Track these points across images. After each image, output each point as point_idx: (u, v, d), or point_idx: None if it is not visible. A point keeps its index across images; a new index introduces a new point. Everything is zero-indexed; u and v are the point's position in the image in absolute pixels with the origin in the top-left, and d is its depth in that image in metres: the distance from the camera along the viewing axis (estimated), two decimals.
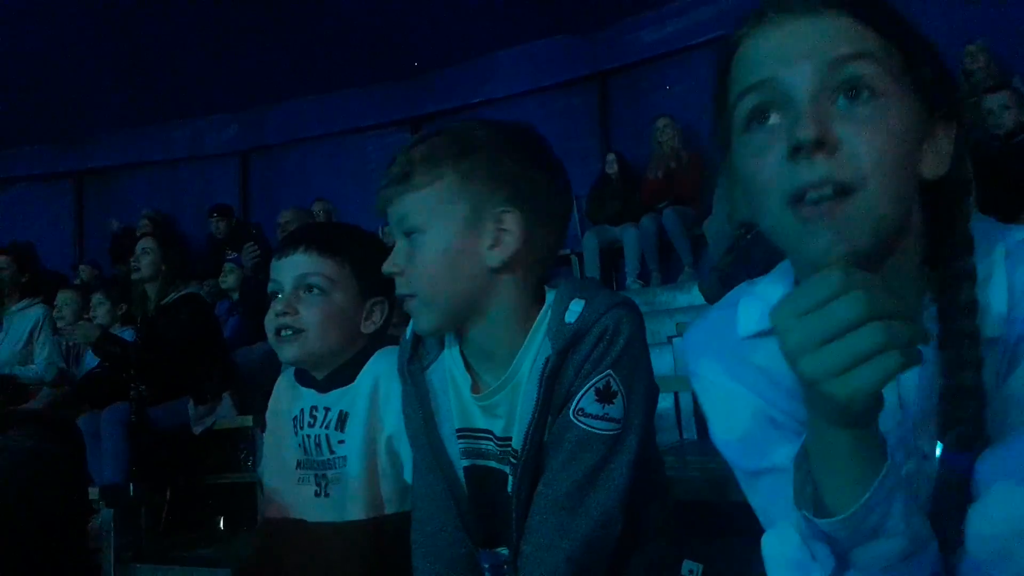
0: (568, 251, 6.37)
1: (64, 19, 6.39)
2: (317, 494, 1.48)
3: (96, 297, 4.40)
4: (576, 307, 1.09)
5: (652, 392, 1.14)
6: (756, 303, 0.87)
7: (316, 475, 1.48)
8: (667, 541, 1.21)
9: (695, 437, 3.67)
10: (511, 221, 1.09)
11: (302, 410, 1.53)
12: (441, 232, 1.09)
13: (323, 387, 1.51)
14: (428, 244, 1.09)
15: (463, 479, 1.18)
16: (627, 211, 5.96)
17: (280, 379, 1.63)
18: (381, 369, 1.45)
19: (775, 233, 0.75)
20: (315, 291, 1.44)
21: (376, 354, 1.48)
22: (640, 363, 1.10)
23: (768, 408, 0.85)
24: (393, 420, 1.40)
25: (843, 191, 0.69)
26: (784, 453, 0.82)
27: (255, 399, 3.65)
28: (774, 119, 0.74)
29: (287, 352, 1.47)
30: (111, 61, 6.86)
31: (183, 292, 3.78)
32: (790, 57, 0.73)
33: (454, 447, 1.19)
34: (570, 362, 1.08)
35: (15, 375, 4.38)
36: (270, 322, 1.46)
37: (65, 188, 8.49)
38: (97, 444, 3.49)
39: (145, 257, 3.79)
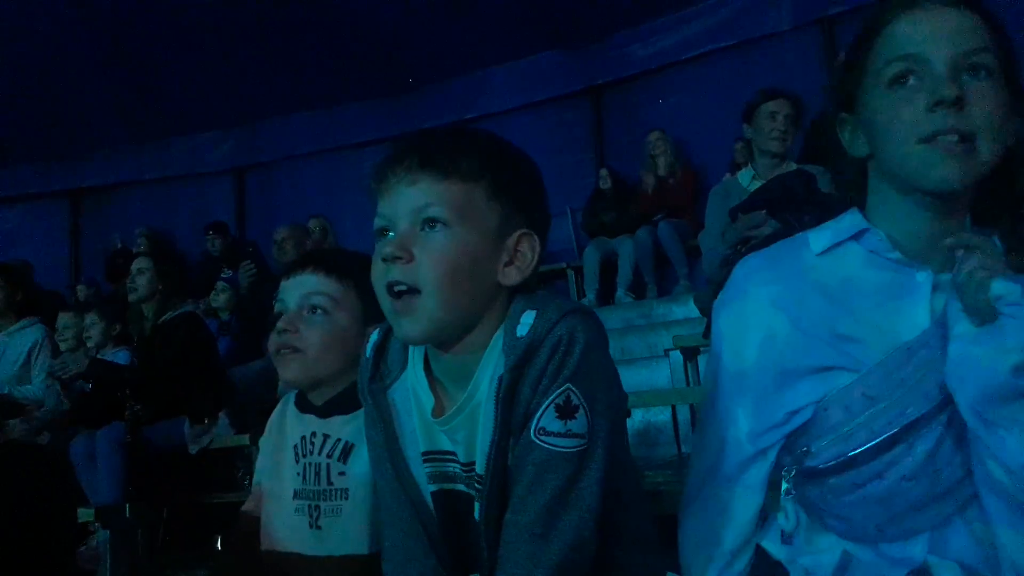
0: (564, 264, 6.40)
1: (59, 37, 6.42)
2: (310, 525, 1.45)
3: (90, 317, 4.39)
4: (527, 319, 1.04)
5: (618, 401, 1.11)
6: (826, 230, 1.08)
7: (309, 505, 1.45)
8: (648, 551, 1.17)
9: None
10: (528, 245, 1.08)
11: (303, 437, 1.50)
12: (469, 233, 1.03)
13: (323, 412, 1.49)
14: (452, 241, 1.02)
15: (431, 504, 1.14)
16: (622, 224, 5.99)
17: (280, 407, 1.62)
18: None
19: (903, 163, 0.98)
20: (318, 311, 1.45)
21: None
22: (601, 372, 1.05)
23: (798, 335, 1.02)
24: None
25: (964, 139, 0.94)
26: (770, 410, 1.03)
27: (251, 418, 3.64)
28: (913, 82, 0.98)
29: (287, 371, 1.47)
30: (106, 79, 6.88)
31: (180, 311, 3.78)
32: (934, 40, 0.97)
33: (420, 471, 1.14)
34: (526, 378, 1.03)
35: (11, 395, 4.36)
36: (272, 340, 1.47)
37: (61, 207, 8.48)
38: (93, 464, 3.48)
39: (141, 276, 3.79)
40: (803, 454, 0.99)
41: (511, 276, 1.07)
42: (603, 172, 6.34)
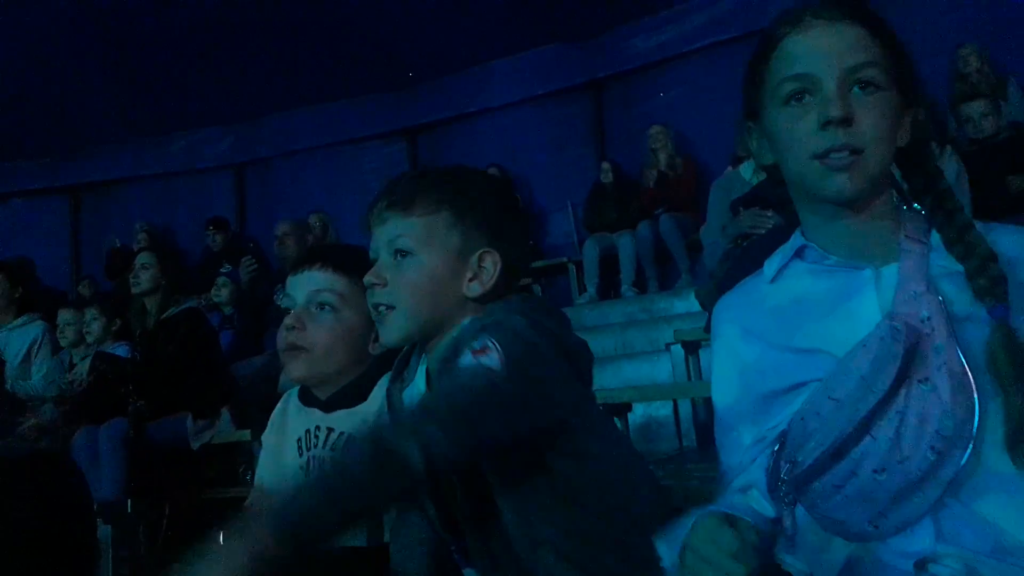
0: (565, 259, 6.40)
1: (58, 33, 6.41)
2: None
3: (90, 312, 4.39)
4: (464, 323, 1.22)
5: (570, 364, 1.17)
6: (776, 255, 1.14)
7: None
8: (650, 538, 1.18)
9: (695, 445, 3.67)
10: (490, 260, 1.24)
11: (307, 431, 1.53)
12: (431, 258, 1.22)
13: (327, 407, 1.52)
14: (418, 266, 1.22)
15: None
16: (623, 218, 5.98)
17: (283, 402, 1.64)
18: None
19: (800, 177, 1.04)
20: (326, 308, 1.49)
21: (385, 376, 1.48)
22: (523, 344, 1.10)
23: (767, 360, 1.09)
24: None
25: (854, 152, 0.99)
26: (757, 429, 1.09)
27: (253, 413, 3.64)
28: (807, 99, 1.02)
29: (294, 370, 1.50)
30: (106, 75, 6.88)
31: (183, 307, 3.78)
32: (823, 58, 1.02)
33: None
34: (454, 362, 1.12)
35: (14, 391, 4.37)
36: (281, 336, 1.50)
37: (61, 203, 8.47)
38: (95, 460, 3.49)
39: (144, 272, 3.79)
40: (793, 464, 1.01)
41: (474, 289, 1.24)
42: (605, 166, 6.31)
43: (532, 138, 6.80)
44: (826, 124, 0.99)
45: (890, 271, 1.03)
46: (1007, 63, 4.97)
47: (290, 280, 1.54)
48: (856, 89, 1.01)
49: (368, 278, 1.23)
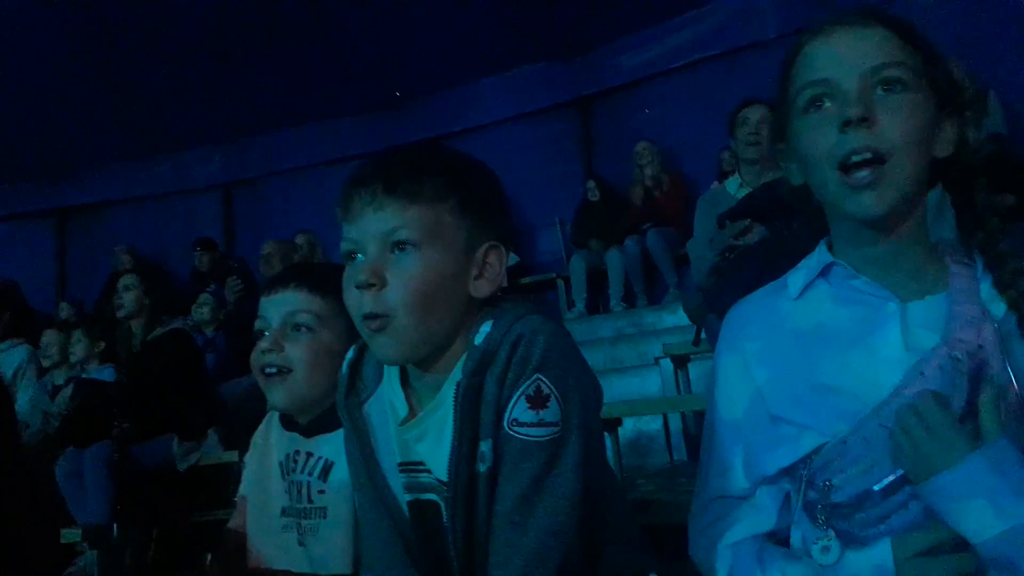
0: (554, 275, 6.41)
1: (45, 56, 6.40)
2: (299, 543, 1.44)
3: (75, 334, 4.37)
4: (485, 328, 1.07)
5: (593, 392, 1.12)
6: (801, 269, 1.07)
7: (296, 523, 1.44)
8: (628, 548, 1.17)
9: (685, 459, 3.66)
10: (496, 256, 1.10)
11: (288, 455, 1.49)
12: (438, 252, 1.06)
13: (307, 432, 1.47)
14: (422, 262, 1.05)
15: (408, 514, 1.15)
16: (611, 234, 6.00)
17: (264, 424, 1.60)
18: None
19: (825, 190, 0.98)
20: (303, 329, 1.41)
21: None
22: (569, 361, 1.06)
23: (784, 389, 1.01)
24: None
25: (877, 160, 0.92)
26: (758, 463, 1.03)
27: (240, 434, 3.60)
28: (828, 105, 0.97)
29: (275, 396, 1.44)
30: (93, 97, 6.85)
31: (169, 328, 3.75)
32: (842, 61, 0.97)
33: (396, 481, 1.16)
34: (489, 381, 1.05)
35: None
36: (256, 359, 1.43)
37: (47, 225, 8.43)
38: (80, 484, 3.44)
39: (128, 293, 3.76)
40: (827, 488, 0.95)
41: (482, 288, 1.10)
42: (590, 183, 6.36)
43: (520, 155, 6.81)
44: (845, 125, 0.93)
45: (916, 307, 0.97)
46: (986, 75, 5.03)
47: (264, 302, 1.46)
48: (879, 91, 0.95)
49: (361, 276, 1.04)
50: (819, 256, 1.05)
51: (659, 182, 6.00)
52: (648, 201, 6.00)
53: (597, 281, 6.01)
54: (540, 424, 1.03)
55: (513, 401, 1.03)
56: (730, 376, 1.09)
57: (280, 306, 1.43)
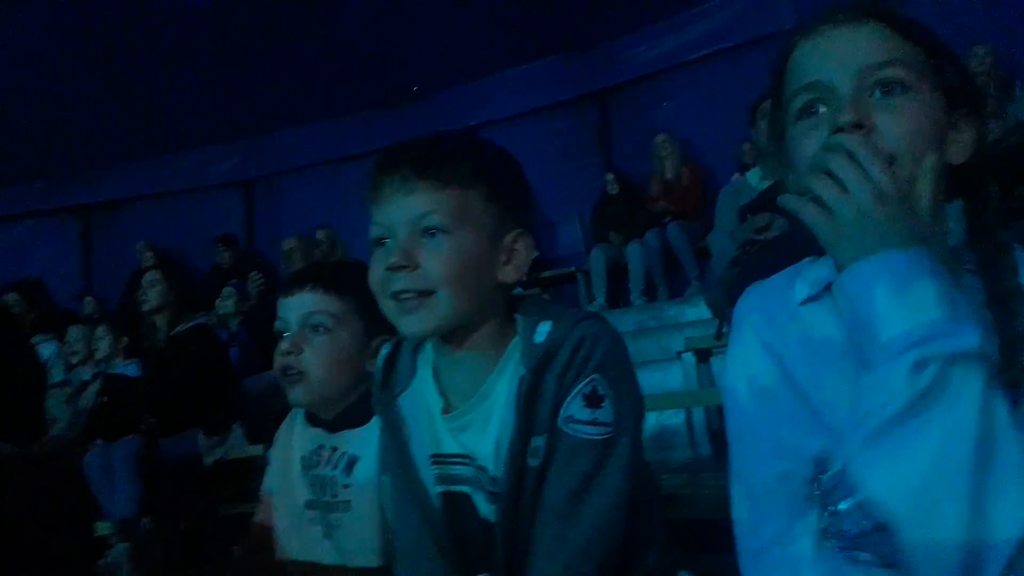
0: (572, 269, 6.40)
1: (64, 54, 6.46)
2: (324, 535, 1.47)
3: (99, 330, 4.43)
4: (544, 328, 1.09)
5: (641, 400, 1.14)
6: (808, 275, 0.95)
7: (321, 515, 1.47)
8: (661, 551, 1.19)
9: (709, 453, 3.65)
10: (523, 243, 1.13)
11: (312, 450, 1.52)
12: (469, 237, 1.07)
13: (332, 427, 1.50)
14: (455, 246, 1.06)
15: (438, 506, 1.16)
16: (631, 228, 5.98)
17: (288, 419, 1.62)
18: None
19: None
20: (320, 330, 1.44)
21: None
22: (624, 367, 1.10)
23: (783, 401, 0.90)
24: None
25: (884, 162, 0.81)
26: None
27: (265, 428, 3.64)
28: (822, 110, 0.88)
29: (294, 395, 1.47)
30: (113, 95, 6.92)
31: (193, 323, 3.80)
32: (834, 62, 0.88)
33: (428, 474, 1.17)
34: (548, 378, 1.07)
35: None
36: (277, 361, 1.46)
37: (71, 222, 8.52)
38: (109, 478, 3.49)
39: (152, 289, 3.81)
40: (835, 516, 0.81)
41: (509, 275, 1.12)
42: (609, 176, 6.34)
43: (538, 149, 6.79)
44: (838, 131, 0.83)
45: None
46: (1016, 63, 4.97)
47: (282, 303, 1.48)
48: (877, 94, 0.86)
49: (393, 259, 1.05)
50: (819, 271, 0.93)
51: (679, 175, 5.97)
52: (668, 194, 5.98)
53: (617, 275, 5.99)
54: (594, 423, 1.06)
55: (570, 399, 1.06)
56: (738, 368, 0.95)
57: (297, 308, 1.45)
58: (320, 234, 6.21)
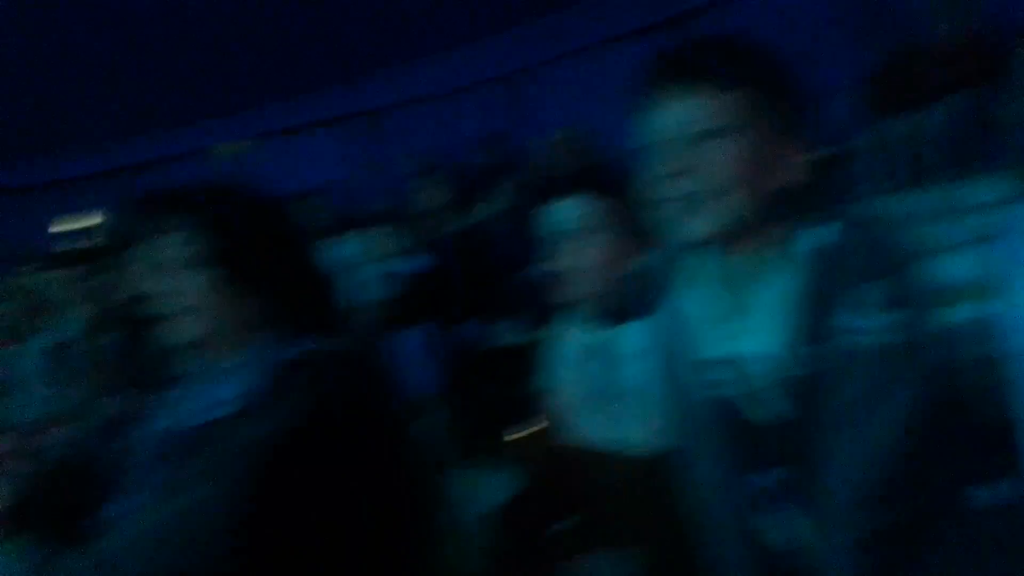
0: (839, 149, 5.88)
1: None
2: (608, 424, 1.54)
3: (386, 229, 4.78)
4: (823, 231, 1.09)
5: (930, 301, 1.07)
6: None
7: (604, 405, 1.54)
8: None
9: None
10: (794, 149, 1.11)
11: (591, 343, 1.58)
12: (748, 140, 1.07)
13: (608, 322, 1.55)
14: (731, 150, 1.06)
15: (710, 409, 1.17)
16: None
17: (564, 314, 1.71)
18: None
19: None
20: (586, 233, 1.50)
21: None
22: (909, 272, 1.05)
23: None
24: None
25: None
26: None
27: (544, 314, 3.78)
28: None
29: (559, 297, 1.55)
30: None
31: (474, 220, 4.00)
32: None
33: (701, 376, 1.17)
34: (830, 283, 1.05)
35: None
36: (541, 268, 1.54)
37: (360, 130, 9.07)
38: (407, 362, 3.83)
39: (427, 191, 4.00)
40: None
41: (788, 176, 1.10)
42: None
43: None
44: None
45: None
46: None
47: (546, 210, 1.53)
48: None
49: (671, 165, 1.08)
50: None
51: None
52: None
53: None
54: (877, 329, 1.02)
55: (854, 304, 1.04)
56: None
57: (562, 212, 1.50)
58: (575, 134, 6.17)
